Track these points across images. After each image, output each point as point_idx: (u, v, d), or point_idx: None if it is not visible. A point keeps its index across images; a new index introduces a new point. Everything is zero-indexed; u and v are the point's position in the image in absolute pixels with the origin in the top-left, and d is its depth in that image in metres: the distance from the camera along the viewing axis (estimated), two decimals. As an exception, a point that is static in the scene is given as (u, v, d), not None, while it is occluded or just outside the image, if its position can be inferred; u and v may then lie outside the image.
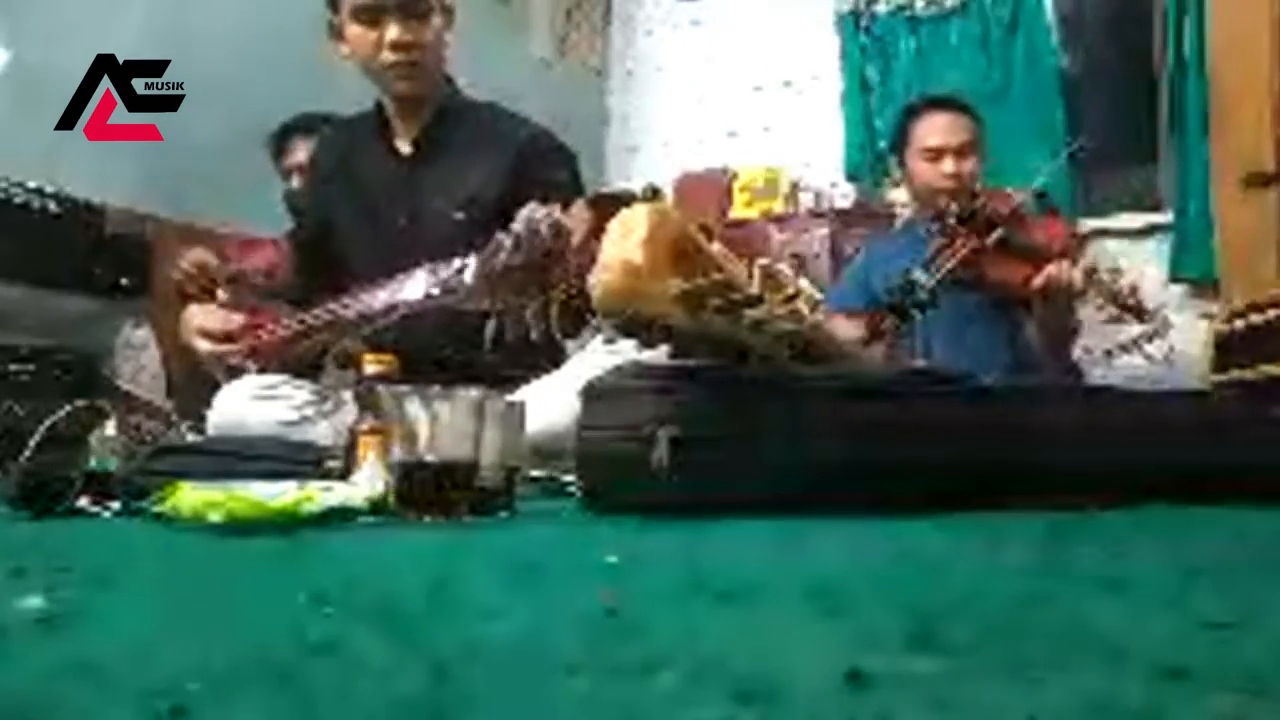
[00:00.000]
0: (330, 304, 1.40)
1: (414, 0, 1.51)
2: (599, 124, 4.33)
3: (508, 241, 1.16)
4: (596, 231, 1.03)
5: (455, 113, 1.63)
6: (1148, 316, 1.79)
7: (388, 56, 1.53)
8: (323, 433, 1.36)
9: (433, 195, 1.57)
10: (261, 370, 1.46)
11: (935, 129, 2.05)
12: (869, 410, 0.91)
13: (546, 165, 1.55)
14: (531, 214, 1.17)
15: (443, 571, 0.60)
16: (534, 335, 1.21)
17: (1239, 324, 2.06)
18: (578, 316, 1.35)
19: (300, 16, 2.83)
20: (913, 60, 3.76)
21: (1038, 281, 1.81)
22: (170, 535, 0.79)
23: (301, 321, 1.43)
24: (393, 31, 1.52)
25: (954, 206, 2.06)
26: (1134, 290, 1.77)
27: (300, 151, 2.17)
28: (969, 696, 0.32)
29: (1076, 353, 2.08)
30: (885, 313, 1.91)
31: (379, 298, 1.32)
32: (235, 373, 1.46)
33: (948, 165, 2.02)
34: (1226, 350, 2.05)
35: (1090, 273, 1.78)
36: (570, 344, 1.56)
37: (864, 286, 2.11)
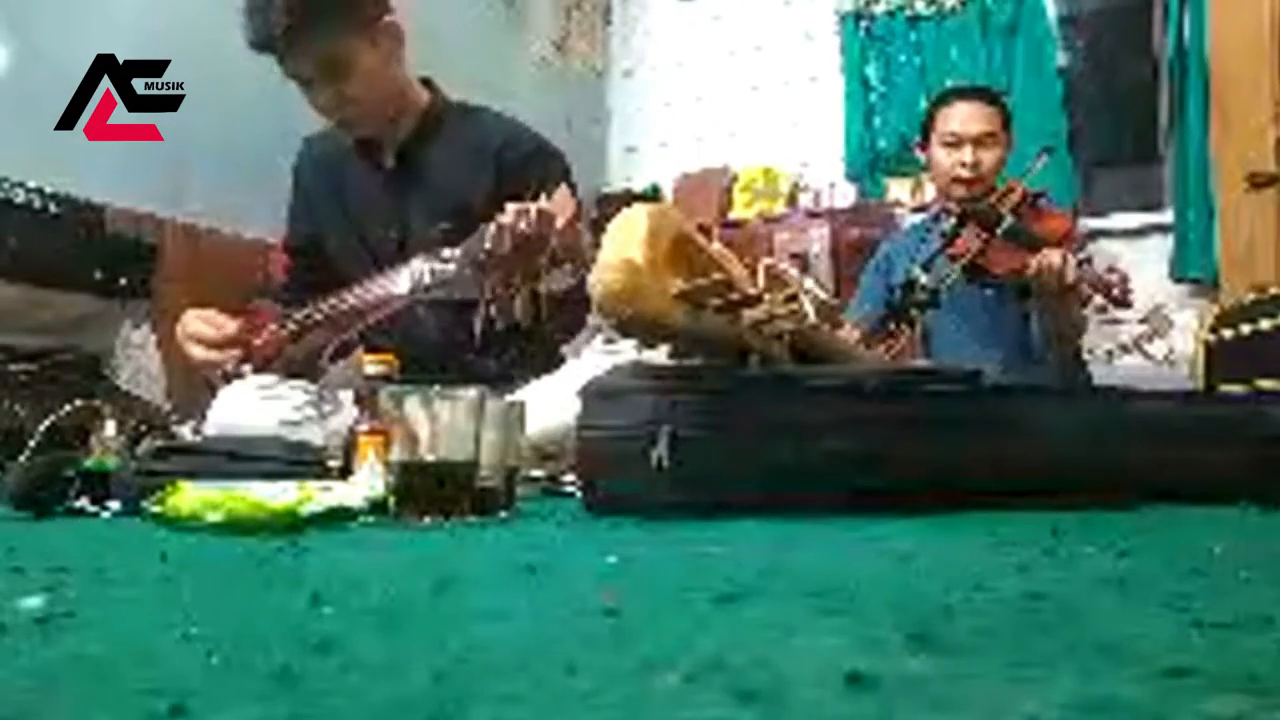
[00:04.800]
0: (322, 303, 1.40)
1: (325, 68, 1.46)
2: (599, 124, 4.33)
3: (491, 230, 1.17)
4: (595, 226, 1.04)
5: (439, 120, 1.61)
6: (1134, 308, 1.79)
7: (325, 115, 1.53)
8: (321, 434, 1.36)
9: (419, 206, 1.56)
10: (258, 372, 1.46)
11: (956, 117, 2.05)
12: (869, 410, 0.91)
13: (531, 167, 1.53)
14: (516, 206, 1.18)
15: (443, 571, 0.60)
16: (523, 323, 1.21)
17: (1227, 334, 2.04)
18: (572, 310, 1.35)
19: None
20: (913, 60, 3.76)
21: (1030, 269, 1.81)
22: (170, 535, 0.79)
23: (295, 322, 1.43)
24: (316, 99, 1.50)
25: (954, 205, 2.06)
26: (1124, 280, 1.76)
27: None
28: (969, 696, 0.32)
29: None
30: (888, 314, 1.91)
31: (370, 293, 1.33)
32: (230, 379, 1.46)
33: (965, 154, 2.01)
34: (1217, 362, 2.04)
35: (1081, 262, 1.77)
36: (569, 344, 1.56)
37: (886, 286, 2.09)
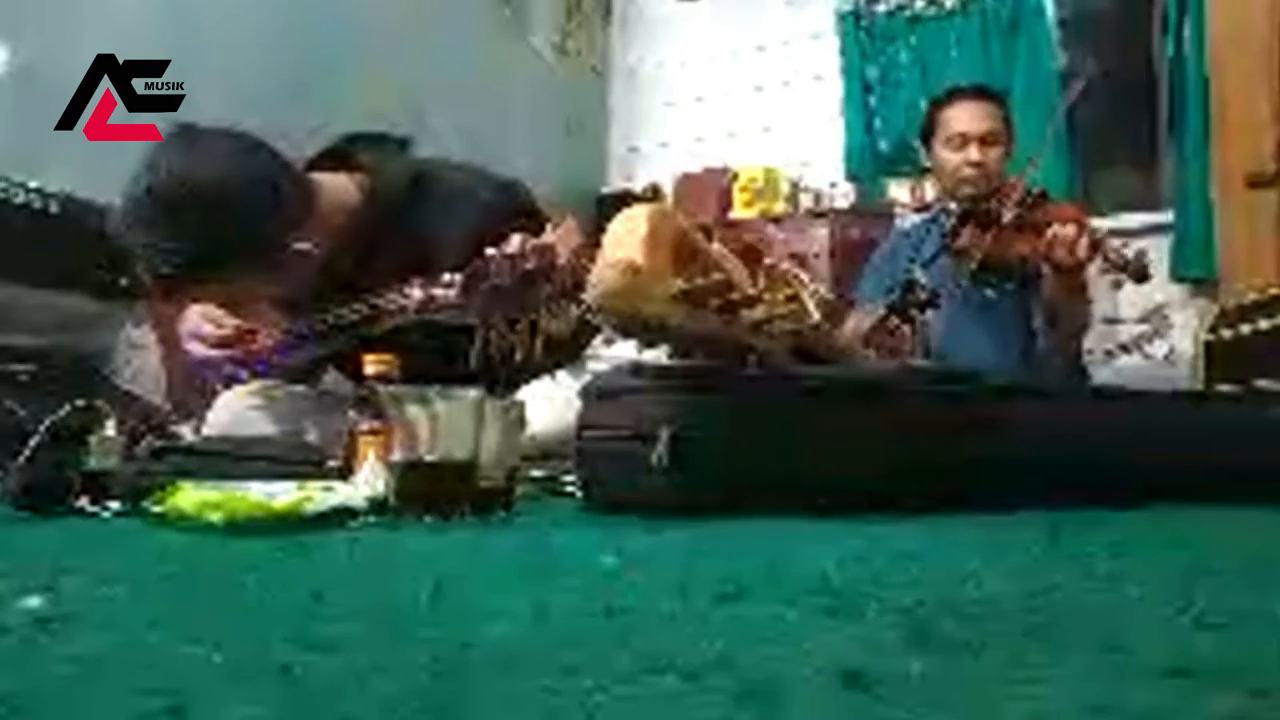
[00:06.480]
0: (322, 314, 1.39)
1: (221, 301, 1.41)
2: (599, 124, 4.33)
3: (492, 263, 1.16)
4: (594, 227, 1.03)
5: (373, 231, 1.39)
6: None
7: None
8: (321, 435, 1.35)
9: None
10: (254, 376, 1.46)
11: (961, 117, 2.05)
12: (869, 410, 0.91)
13: (488, 222, 1.32)
14: (521, 237, 1.17)
15: (443, 571, 0.60)
16: (519, 356, 1.20)
17: (1227, 334, 2.04)
18: (572, 348, 1.35)
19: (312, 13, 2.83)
20: (913, 60, 3.76)
21: (1045, 244, 1.80)
22: (170, 535, 0.79)
23: (290, 331, 1.42)
24: None
25: (954, 205, 2.06)
26: (1140, 255, 1.76)
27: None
28: (969, 696, 0.32)
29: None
30: (888, 314, 1.91)
31: (370, 309, 1.31)
32: (229, 380, 1.46)
33: (972, 153, 2.02)
34: (1217, 362, 2.04)
35: (1097, 242, 1.77)
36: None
37: (886, 286, 2.09)
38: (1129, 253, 1.76)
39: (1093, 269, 1.84)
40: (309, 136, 1.66)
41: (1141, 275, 1.76)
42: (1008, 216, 1.89)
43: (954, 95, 2.11)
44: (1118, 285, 1.82)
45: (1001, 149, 2.04)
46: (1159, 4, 3.39)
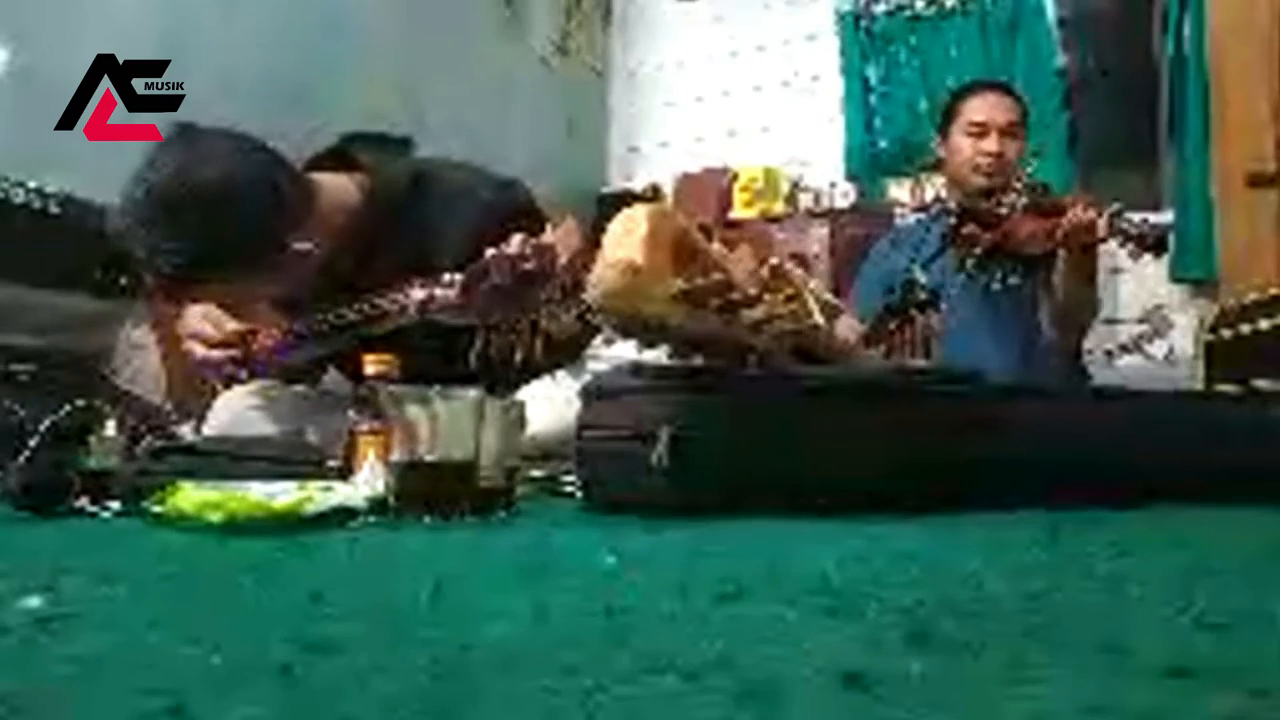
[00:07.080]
0: (322, 313, 1.39)
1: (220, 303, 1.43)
2: (599, 124, 4.33)
3: (492, 263, 1.15)
4: (594, 227, 1.03)
5: (374, 232, 1.38)
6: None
7: None
8: (321, 435, 1.35)
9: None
10: (254, 376, 1.46)
11: (983, 106, 2.07)
12: (869, 410, 0.91)
13: (489, 222, 1.31)
14: (521, 237, 1.16)
15: (443, 571, 0.60)
16: (519, 356, 1.20)
17: (1227, 334, 2.04)
18: (573, 348, 1.34)
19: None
20: (913, 60, 3.76)
21: (1062, 225, 1.80)
22: (170, 535, 0.79)
23: (290, 331, 1.42)
24: None
25: (952, 204, 2.06)
26: (1156, 226, 1.77)
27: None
28: (969, 696, 0.32)
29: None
30: (887, 314, 1.91)
31: (371, 309, 1.30)
32: (229, 380, 1.46)
33: (990, 143, 2.02)
34: (1217, 362, 2.04)
35: (1113, 216, 1.76)
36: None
37: (884, 286, 2.09)
38: (1146, 226, 1.76)
39: (1109, 246, 1.83)
40: (309, 137, 1.66)
41: (1160, 245, 1.75)
42: (1021, 202, 1.89)
43: (975, 87, 2.14)
44: (1135, 257, 1.81)
45: (1018, 144, 2.05)
46: (1159, 3, 3.39)
